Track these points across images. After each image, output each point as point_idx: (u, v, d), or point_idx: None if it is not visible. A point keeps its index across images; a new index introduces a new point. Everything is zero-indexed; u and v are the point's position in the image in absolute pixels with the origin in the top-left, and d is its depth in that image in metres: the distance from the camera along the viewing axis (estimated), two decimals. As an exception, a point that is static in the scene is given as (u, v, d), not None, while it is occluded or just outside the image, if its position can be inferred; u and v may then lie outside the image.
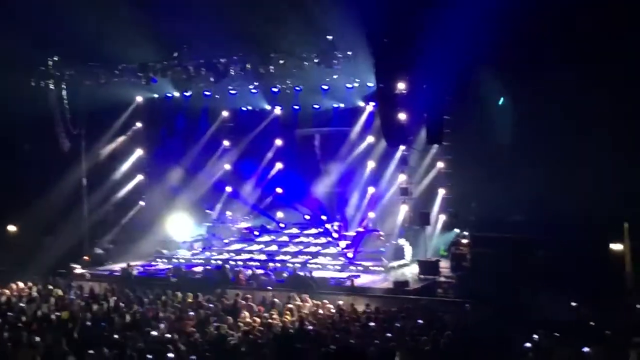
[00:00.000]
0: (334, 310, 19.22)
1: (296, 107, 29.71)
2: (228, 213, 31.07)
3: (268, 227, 30.17)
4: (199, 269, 25.51)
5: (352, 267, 24.97)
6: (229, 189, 31.79)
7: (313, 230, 29.48)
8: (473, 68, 22.38)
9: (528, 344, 14.61)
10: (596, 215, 20.97)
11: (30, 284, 22.57)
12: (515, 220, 23.46)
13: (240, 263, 26.27)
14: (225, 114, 31.73)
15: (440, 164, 26.49)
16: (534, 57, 23.39)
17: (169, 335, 16.26)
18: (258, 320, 17.82)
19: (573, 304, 17.39)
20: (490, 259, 22.10)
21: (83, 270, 26.22)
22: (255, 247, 28.62)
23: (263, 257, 27.17)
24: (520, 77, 23.81)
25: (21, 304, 19.96)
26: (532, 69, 23.60)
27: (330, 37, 23.95)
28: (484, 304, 18.26)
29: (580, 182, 21.96)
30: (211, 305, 19.45)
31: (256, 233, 29.68)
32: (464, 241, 24.45)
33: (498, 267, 21.50)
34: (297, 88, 27.64)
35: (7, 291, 21.65)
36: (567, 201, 21.67)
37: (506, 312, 17.52)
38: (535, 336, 15.09)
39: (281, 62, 25.10)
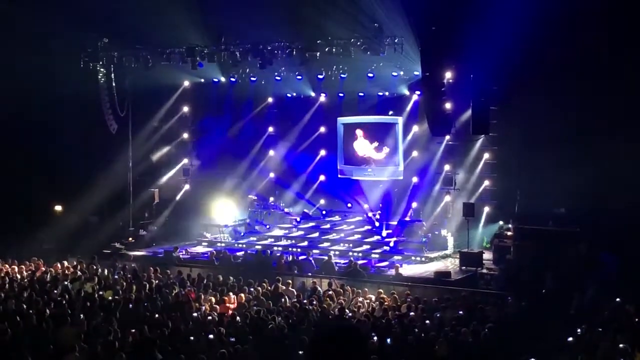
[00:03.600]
0: (374, 299, 19.20)
1: (341, 94, 29.62)
2: (271, 199, 31.16)
3: (310, 213, 30.23)
4: (241, 253, 25.65)
5: (393, 257, 24.93)
6: (272, 174, 31.88)
7: (355, 218, 29.47)
8: (521, 59, 22.13)
9: (571, 338, 14.45)
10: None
11: (74, 263, 22.91)
12: (559, 213, 23.20)
13: (281, 249, 26.38)
14: (270, 100, 31.75)
15: (486, 155, 26.22)
16: (583, 49, 23.05)
17: (209, 317, 16.43)
18: (298, 306, 17.89)
19: (617, 299, 17.13)
20: (534, 252, 21.91)
21: (127, 252, 26.56)
22: (297, 233, 28.73)
23: (305, 243, 27.25)
24: (568, 70, 23.50)
25: (65, 283, 20.29)
26: (579, 62, 23.26)
27: (377, 24, 23.81)
28: (526, 297, 18.08)
29: (627, 175, 21.60)
30: (252, 289, 19.57)
31: (298, 219, 29.77)
32: (508, 233, 24.23)
33: (541, 260, 21.31)
34: (342, 75, 27.55)
35: (52, 269, 22.00)
36: (613, 194, 21.35)
37: (549, 306, 17.35)
38: (579, 330, 14.92)
39: (327, 48, 25.02)
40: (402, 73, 26.88)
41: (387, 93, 29.15)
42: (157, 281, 20.70)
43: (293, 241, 27.76)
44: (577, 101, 23.36)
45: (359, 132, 29.50)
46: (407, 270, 23.24)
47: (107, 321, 15.62)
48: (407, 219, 27.04)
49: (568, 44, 22.99)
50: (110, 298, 18.50)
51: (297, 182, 31.48)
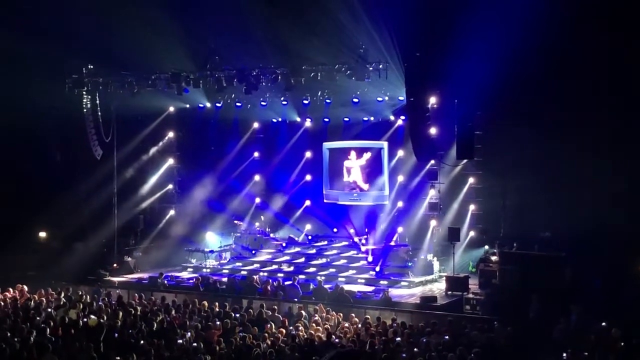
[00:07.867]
0: (360, 324, 19.12)
1: (326, 119, 29.72)
2: (256, 224, 31.10)
3: (296, 238, 30.18)
4: (226, 279, 25.53)
5: (379, 282, 24.89)
6: (258, 200, 31.88)
7: (341, 243, 29.43)
8: (505, 84, 22.27)
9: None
10: (628, 234, 20.73)
11: (58, 289, 22.70)
12: (544, 238, 23.26)
13: (267, 274, 26.28)
14: (255, 125, 31.83)
15: (471, 179, 26.30)
16: (567, 74, 23.24)
17: (194, 344, 16.31)
18: (284, 331, 17.79)
19: (603, 324, 17.14)
20: (519, 276, 21.92)
21: (111, 278, 26.38)
22: (282, 258, 28.64)
23: (290, 268, 27.17)
24: (552, 94, 23.67)
25: (49, 309, 20.10)
26: (564, 86, 23.43)
27: (361, 50, 23.93)
28: (512, 322, 18.06)
29: (612, 200, 21.72)
30: (237, 315, 19.44)
31: (284, 244, 29.70)
32: (493, 258, 24.24)
33: (527, 285, 21.32)
34: (327, 100, 27.68)
35: (35, 296, 21.79)
36: (598, 219, 21.44)
37: (534, 330, 17.33)
38: (564, 355, 14.91)
39: (312, 74, 25.09)
40: (387, 98, 26.98)
41: (372, 118, 29.31)
42: (141, 308, 20.53)
43: (279, 266, 27.66)
44: (562, 126, 23.52)
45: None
46: (394, 294, 23.19)
47: (91, 348, 15.46)
48: (393, 243, 27.03)
49: (553, 68, 23.17)
50: (94, 325, 18.32)
51: (282, 207, 31.48)
